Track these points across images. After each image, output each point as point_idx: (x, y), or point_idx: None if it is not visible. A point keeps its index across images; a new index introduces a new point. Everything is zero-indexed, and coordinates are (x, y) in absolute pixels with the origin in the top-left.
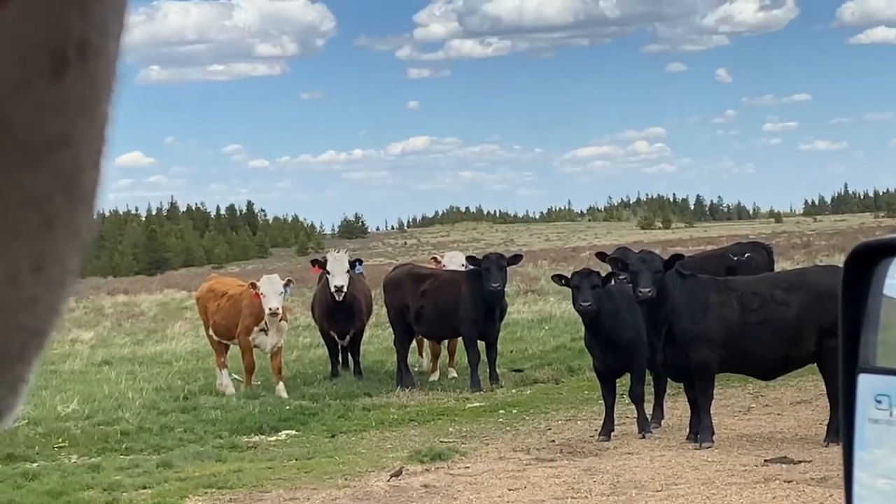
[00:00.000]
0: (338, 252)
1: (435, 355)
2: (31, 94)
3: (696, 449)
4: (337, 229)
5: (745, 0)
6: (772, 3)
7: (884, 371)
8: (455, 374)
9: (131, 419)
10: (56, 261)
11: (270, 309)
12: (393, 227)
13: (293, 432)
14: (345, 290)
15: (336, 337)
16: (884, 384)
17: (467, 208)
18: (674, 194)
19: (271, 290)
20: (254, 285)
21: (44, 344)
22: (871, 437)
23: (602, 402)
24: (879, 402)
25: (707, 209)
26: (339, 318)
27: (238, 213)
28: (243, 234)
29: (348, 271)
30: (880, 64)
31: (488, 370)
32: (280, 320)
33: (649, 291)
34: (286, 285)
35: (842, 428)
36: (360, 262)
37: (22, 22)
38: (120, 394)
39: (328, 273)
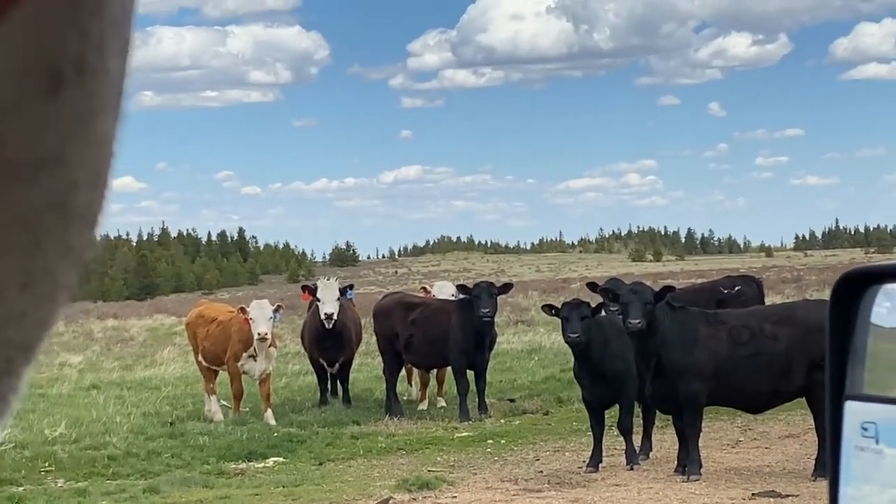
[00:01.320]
0: (328, 279)
1: (424, 384)
2: (25, 112)
3: (683, 482)
4: (328, 257)
5: (738, 34)
6: (765, 38)
7: (870, 398)
8: (444, 404)
9: (119, 444)
10: (46, 277)
11: (259, 334)
12: (384, 256)
13: (281, 459)
14: (335, 317)
15: (325, 364)
16: (870, 412)
17: (458, 238)
18: (665, 227)
19: (261, 316)
20: (243, 310)
21: (32, 358)
22: (858, 464)
23: (591, 433)
24: (866, 429)
25: (698, 242)
26: (329, 345)
27: (229, 239)
28: (234, 261)
29: (338, 299)
30: (872, 100)
31: (477, 400)
32: (269, 346)
33: (639, 323)
34: (276, 311)
35: (828, 455)
36: (351, 287)
37: (17, 40)
38: (108, 418)
39: (318, 300)
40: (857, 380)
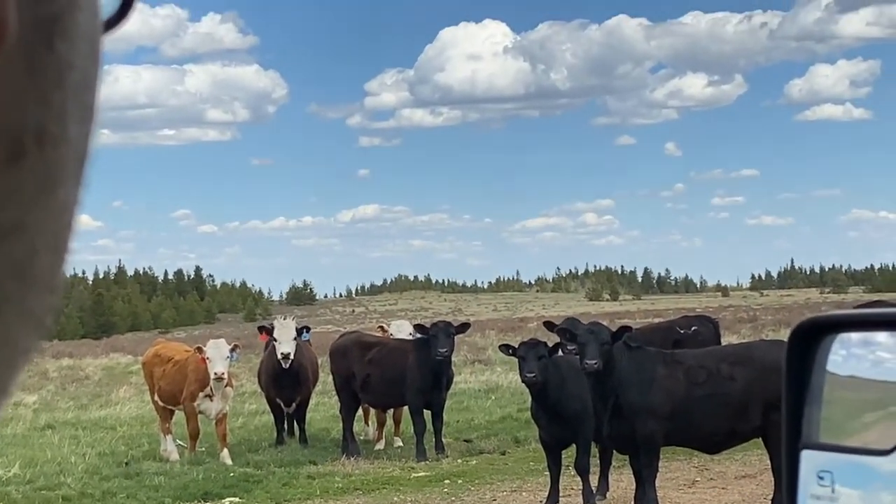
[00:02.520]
0: (285, 319)
1: (381, 424)
2: None
3: None
4: (285, 296)
5: (694, 75)
6: (721, 79)
7: (827, 447)
8: (401, 443)
9: (73, 484)
10: (5, 344)
11: (216, 374)
12: (341, 295)
13: (237, 499)
14: (291, 357)
15: (282, 404)
16: (826, 461)
17: (416, 277)
18: (622, 266)
19: (217, 355)
20: (200, 350)
21: None
22: None
23: (548, 473)
24: (822, 478)
25: (655, 282)
26: (286, 385)
27: (186, 278)
28: (191, 300)
29: (295, 338)
30: (827, 141)
31: (434, 440)
32: (225, 386)
33: (595, 364)
34: (232, 351)
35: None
36: (308, 329)
37: None
38: (63, 458)
39: (275, 340)
40: (814, 428)
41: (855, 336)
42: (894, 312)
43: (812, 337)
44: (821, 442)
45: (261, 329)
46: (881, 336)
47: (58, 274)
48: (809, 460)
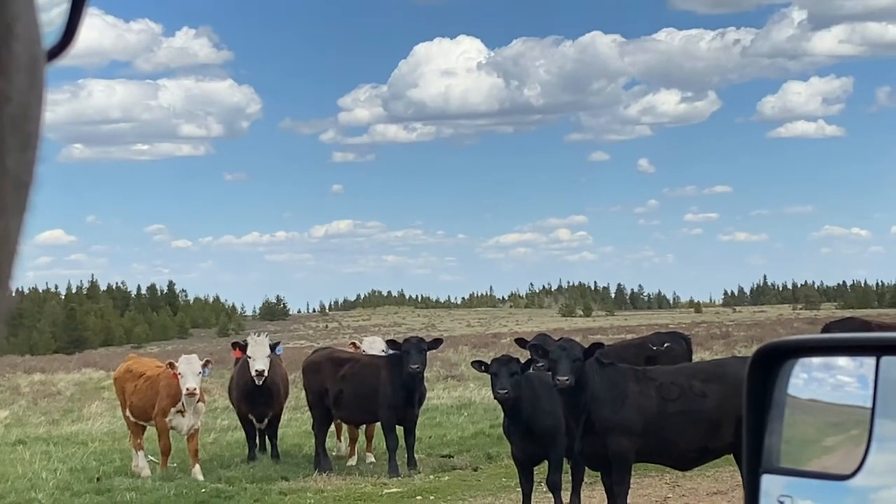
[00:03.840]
0: (258, 336)
1: (353, 440)
2: None
3: None
4: (258, 311)
5: (667, 91)
6: (694, 96)
7: (787, 472)
8: (373, 459)
9: (45, 500)
10: None
11: (188, 389)
12: (314, 310)
13: None
14: (265, 374)
15: (255, 420)
16: (787, 485)
17: (389, 292)
18: (595, 282)
19: (189, 371)
20: (172, 365)
21: None
22: None
23: (520, 489)
24: (782, 502)
25: (628, 298)
26: (259, 401)
27: (159, 292)
28: (164, 315)
29: (269, 355)
30: (800, 158)
31: (406, 455)
32: (197, 402)
33: (567, 380)
34: (204, 366)
35: None
36: (279, 344)
37: None
38: (34, 474)
39: (249, 357)
40: (774, 452)
41: (816, 360)
42: (854, 337)
43: (773, 361)
44: (781, 466)
45: (234, 345)
46: (842, 360)
47: (2, 302)
48: (770, 484)
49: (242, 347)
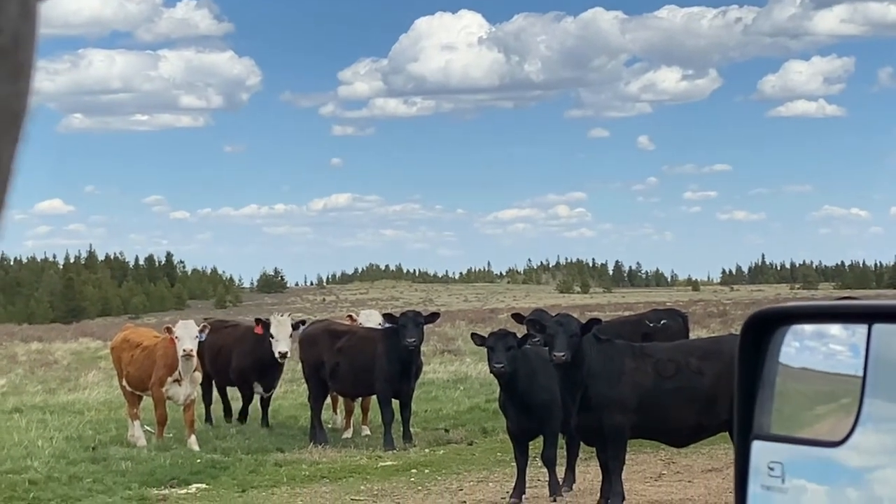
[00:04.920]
0: (282, 316)
1: (349, 412)
2: None
3: None
4: (256, 283)
5: (668, 69)
6: (695, 73)
7: (777, 438)
8: (368, 432)
9: (40, 468)
10: None
11: (185, 350)
12: (312, 283)
13: (203, 486)
14: (288, 355)
15: (262, 391)
16: (777, 451)
17: (387, 266)
18: (593, 259)
19: (186, 334)
20: (169, 329)
21: None
22: (763, 503)
23: (514, 463)
24: (772, 469)
25: (626, 275)
26: (274, 374)
27: (157, 263)
28: (161, 285)
29: (291, 335)
30: (800, 137)
31: (402, 429)
32: (194, 371)
33: (564, 356)
34: (201, 331)
35: (735, 494)
36: (304, 322)
37: None
38: (29, 442)
39: (271, 337)
40: (765, 419)
41: (808, 328)
42: (846, 305)
43: (765, 328)
44: (772, 433)
45: (258, 321)
46: (834, 328)
47: None
48: (760, 451)
49: (265, 325)
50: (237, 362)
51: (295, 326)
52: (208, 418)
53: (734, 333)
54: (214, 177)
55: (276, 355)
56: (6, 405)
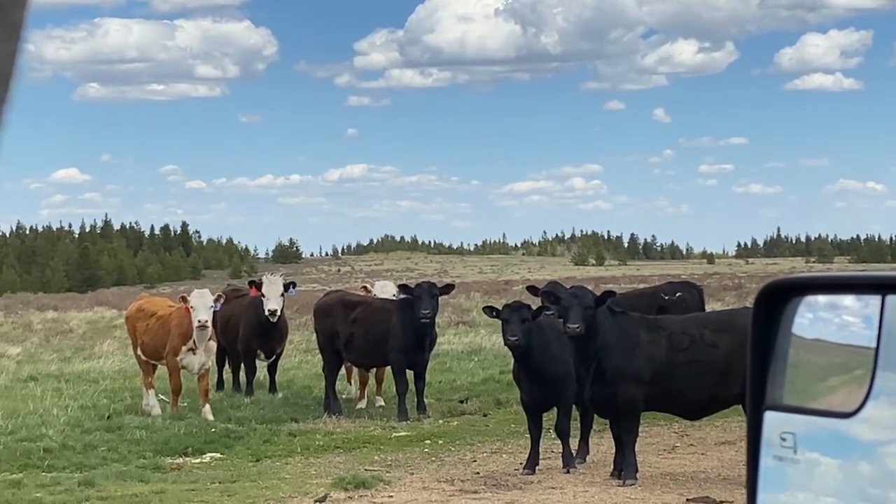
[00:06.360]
0: (272, 275)
1: (363, 383)
2: None
3: (619, 486)
4: (271, 253)
5: (685, 41)
6: (711, 46)
7: (790, 409)
8: (382, 403)
9: (55, 436)
10: None
11: (199, 321)
12: (327, 254)
13: (218, 455)
14: (278, 314)
15: (263, 356)
16: (789, 422)
17: (402, 237)
18: (608, 231)
19: (201, 304)
20: (184, 299)
21: None
22: (776, 473)
23: (528, 435)
24: (784, 439)
25: (641, 248)
26: (273, 337)
27: (172, 233)
28: (177, 255)
29: (282, 294)
30: (816, 111)
31: (416, 400)
32: (209, 340)
33: (578, 328)
34: (216, 301)
35: (747, 464)
36: (294, 284)
37: None
38: (45, 410)
39: (263, 296)
40: (778, 390)
41: (822, 299)
42: (860, 276)
43: (778, 298)
44: (784, 403)
45: (251, 283)
46: (847, 300)
47: None
48: (773, 421)
49: (258, 286)
50: (243, 331)
51: (286, 287)
52: (220, 385)
53: (748, 307)
54: (230, 147)
55: (266, 313)
56: (22, 373)
